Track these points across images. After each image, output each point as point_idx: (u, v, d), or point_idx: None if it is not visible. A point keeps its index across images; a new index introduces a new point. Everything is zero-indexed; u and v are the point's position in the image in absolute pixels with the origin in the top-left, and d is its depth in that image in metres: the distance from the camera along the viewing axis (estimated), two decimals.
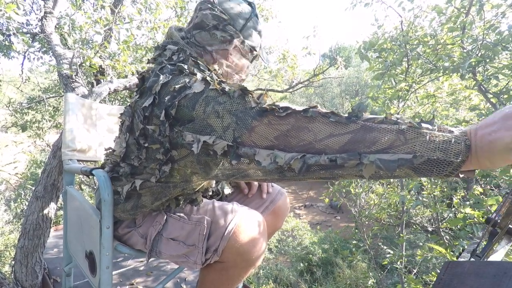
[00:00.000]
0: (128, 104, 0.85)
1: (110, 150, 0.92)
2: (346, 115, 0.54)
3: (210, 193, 1.06)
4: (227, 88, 0.65)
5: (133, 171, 0.84)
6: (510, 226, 0.50)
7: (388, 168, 0.48)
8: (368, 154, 0.50)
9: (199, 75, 0.71)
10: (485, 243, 0.51)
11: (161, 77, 0.73)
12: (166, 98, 0.70)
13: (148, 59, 0.88)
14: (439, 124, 0.50)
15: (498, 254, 0.49)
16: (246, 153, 0.60)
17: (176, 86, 0.70)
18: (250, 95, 0.63)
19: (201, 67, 0.80)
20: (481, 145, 0.46)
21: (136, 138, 0.79)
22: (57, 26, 2.44)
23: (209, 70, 0.83)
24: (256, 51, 0.90)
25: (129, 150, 0.83)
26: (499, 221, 0.50)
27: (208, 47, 0.84)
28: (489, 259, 0.50)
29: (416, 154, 0.47)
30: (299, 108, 0.57)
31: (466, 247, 0.54)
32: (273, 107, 0.59)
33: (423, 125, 0.49)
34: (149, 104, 0.73)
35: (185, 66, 0.74)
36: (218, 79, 0.75)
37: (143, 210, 0.87)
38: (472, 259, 0.51)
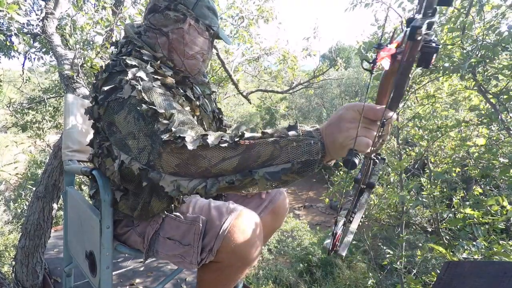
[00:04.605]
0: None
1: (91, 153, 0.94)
2: (233, 137, 0.60)
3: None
4: (142, 108, 0.67)
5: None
6: (369, 180, 0.62)
7: (275, 178, 0.57)
8: (257, 169, 0.58)
9: (130, 74, 0.73)
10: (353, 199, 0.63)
11: (104, 75, 0.77)
12: (100, 97, 0.75)
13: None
14: (301, 127, 0.60)
15: (360, 204, 0.62)
16: (154, 177, 0.64)
17: (108, 87, 0.73)
18: (161, 116, 0.65)
19: (144, 57, 0.82)
20: (327, 143, 0.56)
21: (94, 135, 0.83)
22: (58, 27, 2.44)
23: (155, 58, 0.85)
24: (213, 30, 0.92)
25: (95, 149, 0.87)
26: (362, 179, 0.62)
27: (164, 28, 0.87)
28: (356, 209, 0.60)
29: (293, 162, 0.56)
30: (194, 138, 0.61)
31: (343, 206, 0.65)
32: (172, 138, 0.61)
33: (290, 132, 0.58)
34: (93, 102, 0.79)
35: (126, 59, 0.76)
36: (153, 72, 0.78)
37: (131, 218, 0.89)
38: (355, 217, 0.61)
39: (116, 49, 0.89)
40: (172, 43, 0.87)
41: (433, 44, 0.42)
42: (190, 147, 0.59)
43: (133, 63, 0.76)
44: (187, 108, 0.87)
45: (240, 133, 0.60)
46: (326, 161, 0.58)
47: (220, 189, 0.61)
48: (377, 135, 0.52)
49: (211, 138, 0.60)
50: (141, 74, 0.74)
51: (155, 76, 0.77)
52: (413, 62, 0.44)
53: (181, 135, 0.61)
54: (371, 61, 0.45)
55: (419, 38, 0.40)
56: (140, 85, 0.70)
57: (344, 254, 0.55)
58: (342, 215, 0.61)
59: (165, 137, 0.61)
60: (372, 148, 0.53)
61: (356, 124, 0.52)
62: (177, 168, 0.62)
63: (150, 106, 0.66)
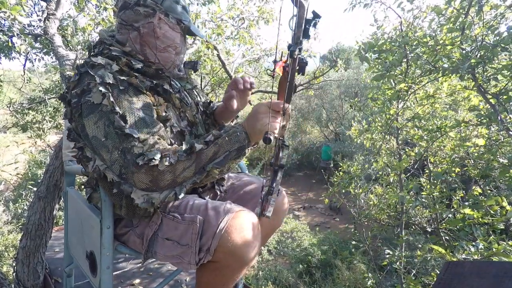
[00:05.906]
0: None
1: None
2: (187, 151, 0.76)
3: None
4: (114, 121, 0.74)
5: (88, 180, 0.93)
6: (280, 163, 0.82)
7: (221, 165, 0.78)
8: (207, 164, 0.78)
9: (97, 78, 0.77)
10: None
11: (76, 77, 0.82)
12: (73, 101, 0.80)
13: None
14: (228, 126, 0.83)
15: (277, 181, 0.80)
16: (125, 189, 0.75)
17: (78, 91, 0.79)
18: (135, 140, 0.74)
19: (113, 53, 0.86)
20: (249, 131, 0.80)
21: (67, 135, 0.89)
22: (60, 28, 2.44)
23: (124, 53, 0.88)
24: (184, 24, 0.95)
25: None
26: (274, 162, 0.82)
27: (135, 23, 0.90)
28: (274, 185, 0.78)
29: (230, 150, 0.79)
30: (161, 157, 0.74)
31: (265, 182, 0.83)
32: (146, 161, 0.72)
33: (222, 132, 0.81)
34: (67, 104, 0.84)
35: (92, 59, 0.81)
36: (119, 71, 0.82)
37: (125, 218, 0.90)
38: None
39: (91, 52, 0.93)
40: (144, 36, 0.91)
41: (304, 61, 0.72)
42: (161, 167, 0.73)
43: (99, 62, 0.80)
44: (161, 100, 0.90)
45: (190, 146, 0.77)
46: (252, 145, 0.82)
47: (186, 190, 0.78)
48: (281, 121, 0.79)
49: (172, 155, 0.75)
50: (109, 79, 0.78)
51: (122, 78, 0.81)
52: (295, 71, 0.71)
53: (154, 158, 0.73)
54: (271, 70, 0.72)
55: (295, 56, 0.68)
56: (110, 92, 0.76)
57: (270, 215, 0.76)
58: (265, 189, 0.81)
59: (139, 160, 0.72)
60: (278, 131, 0.77)
61: (267, 115, 0.76)
62: (150, 183, 0.74)
63: (123, 130, 0.74)
